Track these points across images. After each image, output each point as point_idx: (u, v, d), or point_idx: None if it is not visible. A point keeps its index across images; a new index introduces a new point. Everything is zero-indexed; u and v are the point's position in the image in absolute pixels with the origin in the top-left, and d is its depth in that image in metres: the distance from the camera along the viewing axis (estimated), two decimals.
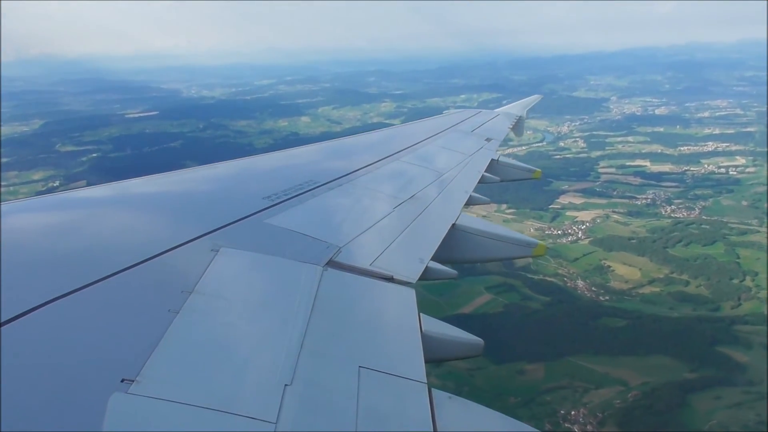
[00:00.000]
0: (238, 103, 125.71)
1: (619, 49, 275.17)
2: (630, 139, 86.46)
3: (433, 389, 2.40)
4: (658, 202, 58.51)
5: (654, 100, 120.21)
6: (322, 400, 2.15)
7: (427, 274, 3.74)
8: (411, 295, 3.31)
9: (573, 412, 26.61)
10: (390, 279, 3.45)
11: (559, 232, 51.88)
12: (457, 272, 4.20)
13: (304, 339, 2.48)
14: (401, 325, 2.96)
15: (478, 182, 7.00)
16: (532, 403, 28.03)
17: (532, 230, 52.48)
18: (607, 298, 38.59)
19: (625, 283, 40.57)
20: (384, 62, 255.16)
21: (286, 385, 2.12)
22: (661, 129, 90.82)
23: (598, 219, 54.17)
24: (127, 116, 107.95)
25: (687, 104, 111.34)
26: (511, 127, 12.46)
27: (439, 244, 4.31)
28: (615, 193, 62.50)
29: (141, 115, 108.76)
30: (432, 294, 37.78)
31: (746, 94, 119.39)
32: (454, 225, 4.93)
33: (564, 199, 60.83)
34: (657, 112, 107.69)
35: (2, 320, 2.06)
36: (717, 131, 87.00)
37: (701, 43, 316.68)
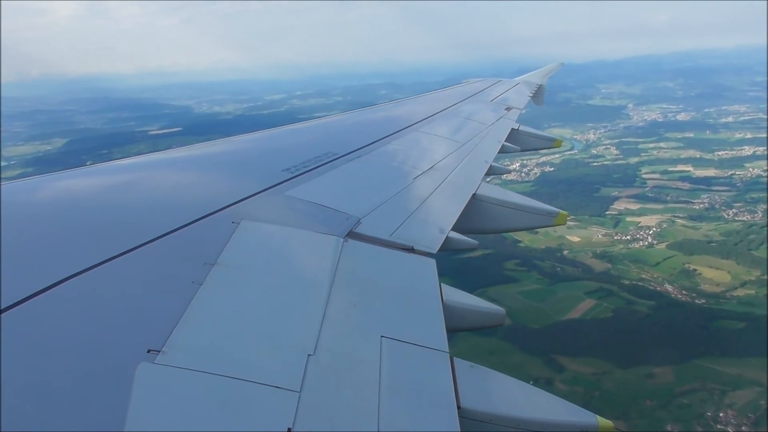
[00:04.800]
0: (256, 118, 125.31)
1: (622, 57, 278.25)
2: (662, 144, 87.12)
3: (455, 358, 2.43)
4: (717, 206, 58.93)
5: (671, 106, 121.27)
6: (345, 369, 2.17)
7: (447, 245, 3.74)
8: (432, 265, 3.30)
9: (721, 414, 26.66)
10: (410, 250, 3.44)
11: (628, 237, 52.12)
12: (477, 242, 4.18)
13: (326, 309, 2.49)
14: (422, 295, 2.96)
15: (499, 152, 7.02)
16: (669, 406, 28.02)
17: (599, 236, 52.81)
18: (703, 301, 38.74)
19: (717, 286, 40.77)
20: (390, 75, 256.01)
21: (309, 354, 2.13)
22: (691, 134, 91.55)
23: (664, 224, 54.47)
24: (150, 133, 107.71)
25: (706, 110, 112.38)
26: (531, 95, 12.54)
27: (459, 214, 4.32)
28: (669, 198, 62.96)
29: (164, 131, 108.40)
30: (533, 300, 38.01)
31: (762, 98, 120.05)
32: (474, 195, 4.91)
33: (619, 205, 61.17)
34: (678, 118, 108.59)
35: (30, 294, 2.08)
36: (749, 135, 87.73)
37: (702, 49, 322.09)
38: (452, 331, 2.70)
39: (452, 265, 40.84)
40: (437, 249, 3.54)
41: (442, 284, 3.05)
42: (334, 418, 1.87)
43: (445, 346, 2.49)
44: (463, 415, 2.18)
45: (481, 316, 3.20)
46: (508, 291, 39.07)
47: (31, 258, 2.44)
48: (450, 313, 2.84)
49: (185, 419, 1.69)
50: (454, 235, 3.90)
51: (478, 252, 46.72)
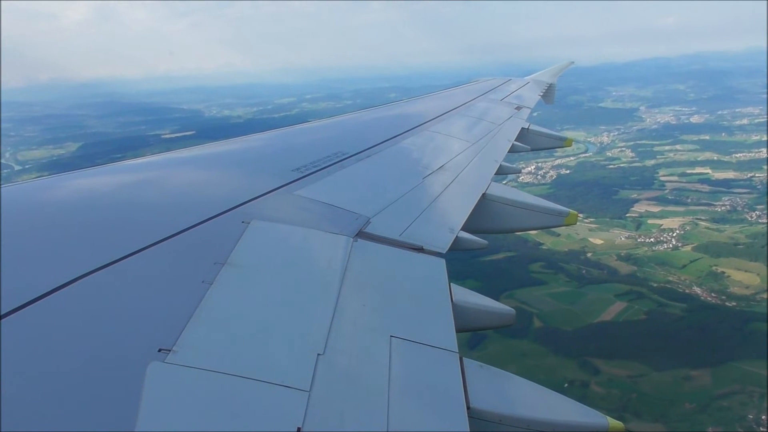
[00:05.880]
0: (267, 122, 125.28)
1: (630, 60, 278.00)
2: (678, 147, 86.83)
3: (464, 358, 2.40)
4: (739, 209, 58.62)
5: (684, 109, 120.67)
6: (354, 369, 2.16)
7: (457, 245, 3.73)
8: (441, 265, 3.29)
9: (763, 417, 26.48)
10: (420, 249, 3.44)
11: (651, 239, 51.94)
12: (487, 242, 4.13)
13: (336, 309, 2.49)
14: (432, 295, 2.96)
15: (509, 151, 6.97)
16: (709, 409, 27.89)
17: (622, 238, 52.66)
18: (734, 304, 38.55)
19: (746, 288, 40.53)
20: (399, 78, 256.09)
21: (318, 354, 2.13)
22: (707, 137, 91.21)
23: (687, 226, 54.26)
24: (163, 137, 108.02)
25: (719, 112, 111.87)
26: (541, 94, 12.47)
27: (469, 214, 4.29)
28: (689, 200, 62.68)
29: (177, 135, 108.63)
30: (563, 303, 37.96)
31: None
32: (484, 195, 4.89)
33: (639, 208, 60.99)
34: (692, 120, 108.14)
35: (42, 293, 2.08)
36: (766, 138, 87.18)
37: (710, 52, 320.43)
38: (462, 331, 2.70)
39: (477, 267, 40.91)
40: (447, 249, 3.54)
41: (451, 284, 3.04)
42: (343, 418, 1.87)
43: (455, 346, 2.47)
44: (473, 415, 2.17)
45: (490, 316, 3.18)
46: (537, 293, 39.05)
47: (43, 257, 2.45)
48: (459, 312, 2.84)
49: (195, 418, 1.70)
50: (464, 234, 3.90)
51: (501, 254, 46.78)
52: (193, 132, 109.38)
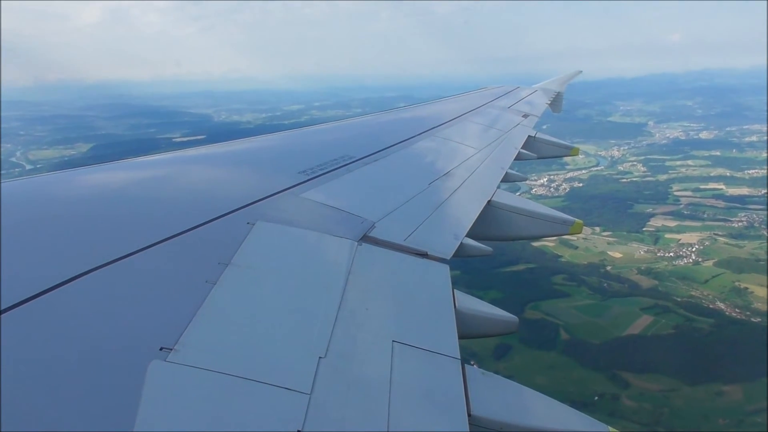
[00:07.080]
0: (278, 128, 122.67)
1: (638, 75, 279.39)
2: (690, 162, 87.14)
3: (466, 365, 2.40)
4: (756, 224, 58.86)
5: (692, 124, 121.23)
6: (355, 373, 2.16)
7: (461, 251, 3.73)
8: (445, 271, 3.28)
9: None
10: (424, 255, 3.42)
11: (671, 254, 52.03)
12: (492, 249, 4.14)
13: (338, 313, 2.49)
14: (435, 300, 2.95)
15: (515, 159, 6.98)
16: (743, 425, 27.93)
17: (641, 252, 52.75)
18: (758, 319, 38.62)
19: None
20: (407, 88, 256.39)
21: (320, 357, 2.14)
22: (718, 153, 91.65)
23: (705, 241, 54.41)
24: (174, 140, 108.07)
25: (728, 129, 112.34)
26: (548, 103, 12.47)
27: (474, 220, 4.30)
28: (705, 215, 62.89)
29: (189, 139, 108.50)
30: (589, 316, 38.00)
31: None
32: (489, 202, 4.90)
33: (656, 222, 61.13)
34: (701, 136, 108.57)
35: (44, 289, 2.09)
36: (766, 154, 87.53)
37: (717, 69, 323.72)
38: (465, 338, 2.73)
39: (499, 278, 41.04)
40: (451, 255, 3.53)
41: (454, 290, 3.05)
42: (343, 422, 1.88)
43: (457, 353, 2.47)
44: (474, 422, 2.17)
45: (494, 324, 3.19)
46: (562, 305, 39.11)
47: (46, 253, 2.48)
48: (463, 319, 2.86)
49: (195, 418, 1.71)
50: (469, 241, 3.91)
51: (521, 266, 46.88)
52: (204, 136, 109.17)
